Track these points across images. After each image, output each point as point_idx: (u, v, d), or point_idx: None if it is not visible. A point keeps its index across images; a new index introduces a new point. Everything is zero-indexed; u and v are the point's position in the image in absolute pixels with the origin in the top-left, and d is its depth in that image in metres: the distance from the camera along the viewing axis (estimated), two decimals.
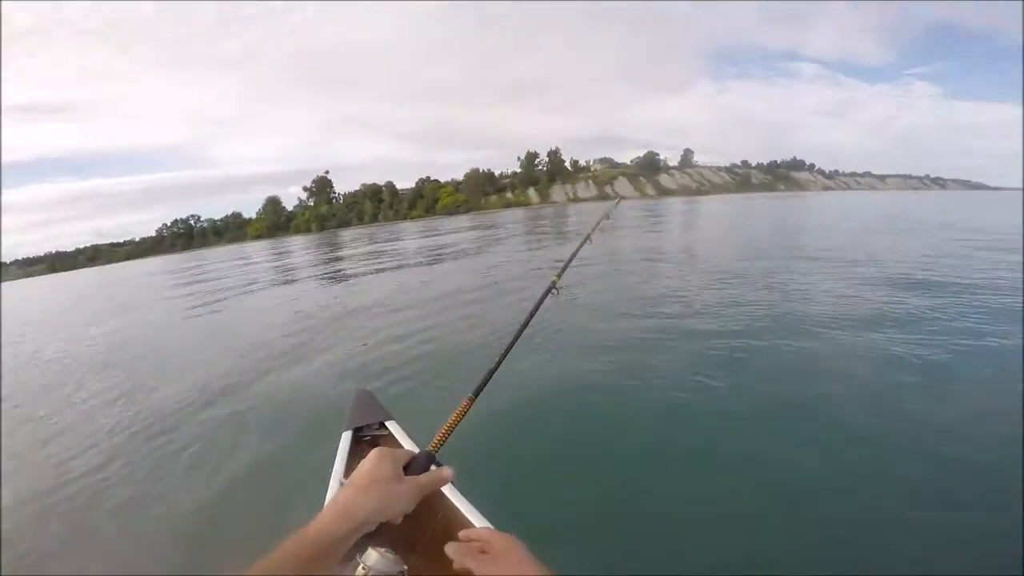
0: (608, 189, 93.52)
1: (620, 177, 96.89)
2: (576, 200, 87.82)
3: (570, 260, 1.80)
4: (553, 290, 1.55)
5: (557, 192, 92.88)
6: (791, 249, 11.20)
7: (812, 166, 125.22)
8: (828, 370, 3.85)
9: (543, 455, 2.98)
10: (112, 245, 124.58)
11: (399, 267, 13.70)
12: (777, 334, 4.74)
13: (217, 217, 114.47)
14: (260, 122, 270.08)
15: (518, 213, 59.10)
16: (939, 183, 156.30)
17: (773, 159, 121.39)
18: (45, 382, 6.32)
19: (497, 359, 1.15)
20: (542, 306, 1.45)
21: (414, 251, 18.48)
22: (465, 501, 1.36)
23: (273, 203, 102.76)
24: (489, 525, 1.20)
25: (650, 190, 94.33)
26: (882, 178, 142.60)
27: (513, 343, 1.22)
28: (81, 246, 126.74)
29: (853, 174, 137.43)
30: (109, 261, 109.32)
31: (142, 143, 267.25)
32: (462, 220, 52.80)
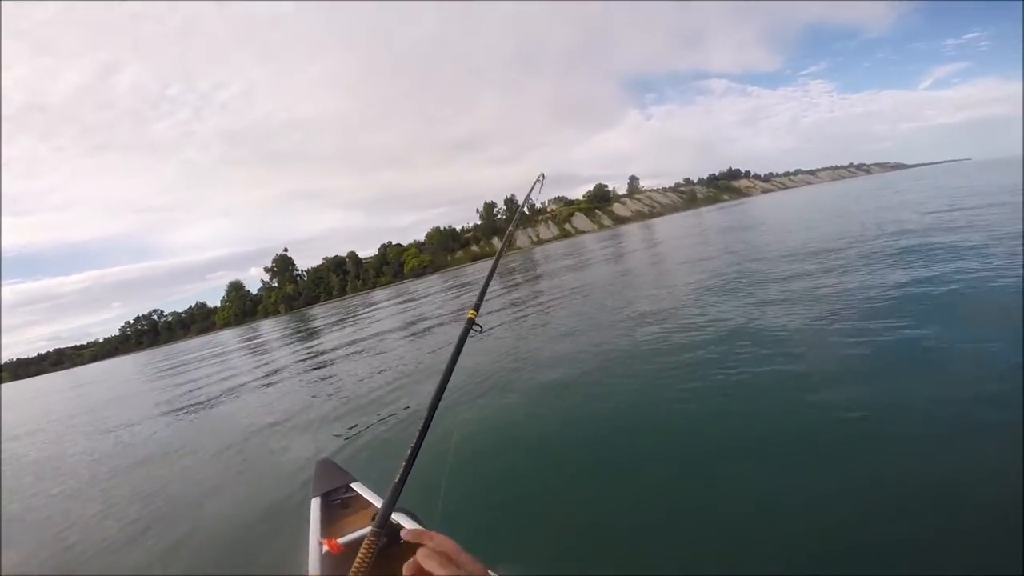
0: (568, 226, 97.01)
1: (577, 213, 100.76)
2: (540, 242, 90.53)
3: (484, 290, 1.62)
4: (474, 327, 1.38)
5: (521, 237, 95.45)
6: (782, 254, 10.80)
7: (748, 173, 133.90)
8: (819, 365, 3.85)
9: (521, 480, 3.11)
10: (75, 348, 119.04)
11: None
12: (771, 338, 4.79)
13: (180, 309, 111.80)
14: (205, 206, 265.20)
15: (486, 264, 59.79)
16: (863, 168, 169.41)
17: (712, 172, 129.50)
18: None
19: (427, 412, 1.14)
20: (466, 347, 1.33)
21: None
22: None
23: (236, 288, 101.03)
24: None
25: (606, 220, 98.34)
26: (813, 172, 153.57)
27: (439, 394, 1.18)
28: (43, 351, 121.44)
29: (786, 173, 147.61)
30: (75, 364, 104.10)
31: (82, 236, 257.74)
32: (432, 280, 53.05)
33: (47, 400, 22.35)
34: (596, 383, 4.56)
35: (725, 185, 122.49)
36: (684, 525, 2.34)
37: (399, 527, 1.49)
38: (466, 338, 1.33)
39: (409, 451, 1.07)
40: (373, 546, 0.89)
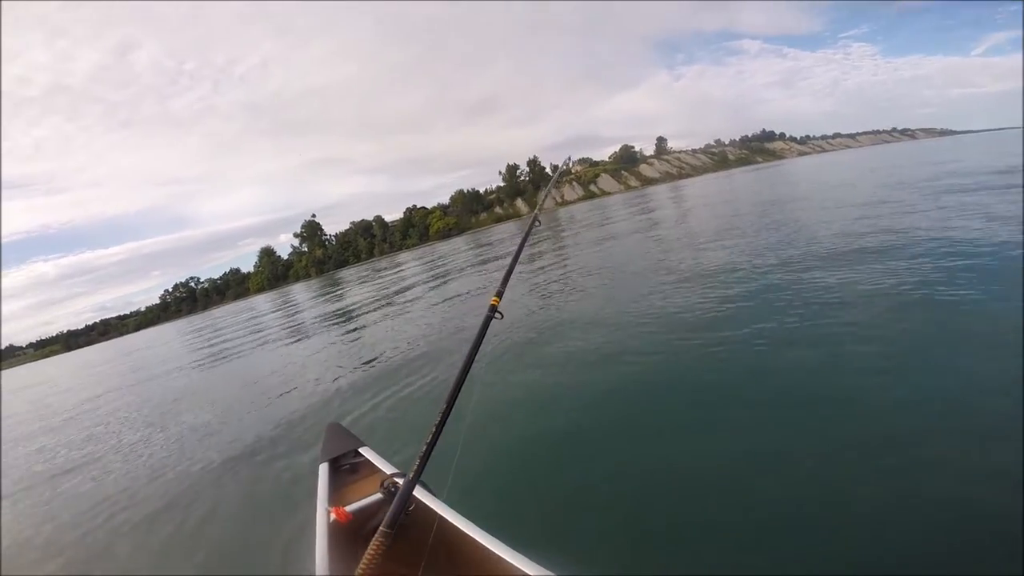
0: (593, 187, 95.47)
1: (602, 174, 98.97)
2: (564, 203, 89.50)
3: (508, 276, 1.61)
4: (496, 314, 1.39)
5: (546, 199, 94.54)
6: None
7: (783, 135, 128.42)
8: (828, 360, 3.58)
9: (534, 460, 3.05)
10: (119, 318, 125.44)
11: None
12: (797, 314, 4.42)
13: (216, 276, 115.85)
14: (232, 176, 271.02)
15: (511, 226, 59.93)
16: (908, 134, 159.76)
17: (744, 134, 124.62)
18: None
19: (445, 404, 1.19)
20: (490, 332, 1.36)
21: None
22: (455, 513, 1.46)
23: (268, 254, 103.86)
24: (478, 531, 1.35)
25: (633, 182, 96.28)
26: (853, 136, 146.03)
27: (462, 380, 1.23)
28: (90, 323, 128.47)
29: (824, 137, 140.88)
30: (121, 333, 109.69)
31: (115, 210, 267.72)
32: (458, 241, 53.51)
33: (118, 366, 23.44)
34: (618, 355, 4.37)
35: (758, 147, 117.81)
36: (700, 514, 2.27)
37: (411, 497, 1.48)
38: (488, 326, 1.33)
39: (424, 446, 1.11)
40: (382, 547, 0.87)
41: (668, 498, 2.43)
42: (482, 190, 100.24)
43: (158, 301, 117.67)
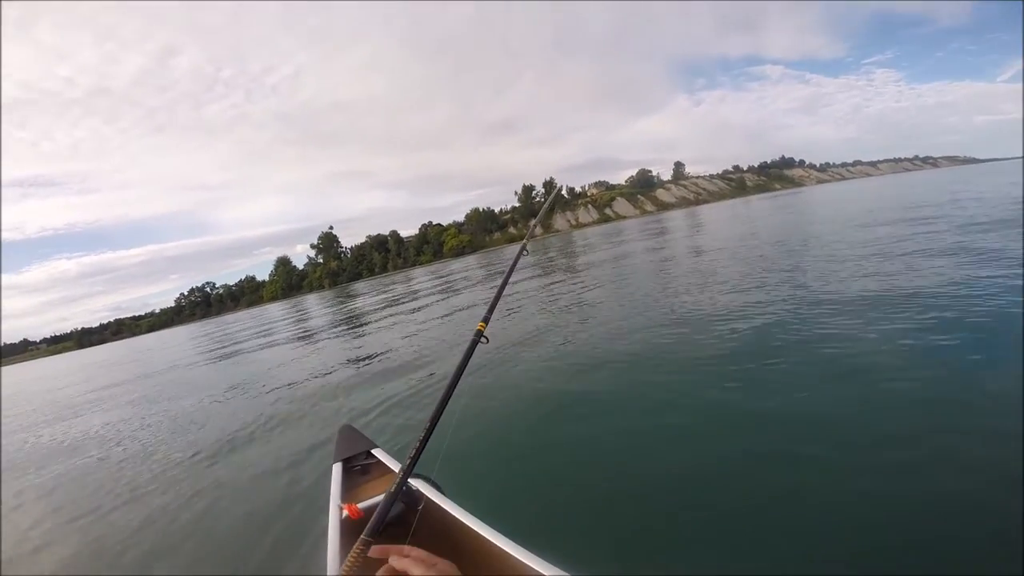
0: (608, 211, 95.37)
1: (618, 197, 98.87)
2: (579, 226, 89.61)
3: (495, 303, 1.61)
4: (482, 339, 1.42)
5: (559, 221, 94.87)
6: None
7: (802, 162, 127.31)
8: (829, 367, 3.66)
9: (533, 454, 3.16)
10: (133, 318, 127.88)
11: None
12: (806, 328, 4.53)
13: (231, 283, 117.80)
14: (255, 185, 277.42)
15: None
16: (930, 162, 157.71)
17: (763, 160, 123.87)
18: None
19: (428, 423, 1.22)
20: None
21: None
22: (449, 501, 1.55)
23: (284, 263, 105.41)
24: (474, 520, 1.42)
25: (649, 206, 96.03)
26: (873, 164, 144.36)
27: (446, 401, 1.26)
28: (104, 321, 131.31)
29: (843, 164, 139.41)
30: (134, 333, 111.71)
31: (142, 213, 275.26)
32: (470, 259, 54.07)
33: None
34: (614, 368, 4.46)
35: (777, 174, 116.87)
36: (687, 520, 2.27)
37: (419, 494, 1.53)
38: (473, 351, 1.34)
39: (408, 459, 1.13)
40: (360, 556, 0.88)
41: (668, 498, 2.46)
42: (497, 210, 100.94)
43: (173, 304, 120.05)
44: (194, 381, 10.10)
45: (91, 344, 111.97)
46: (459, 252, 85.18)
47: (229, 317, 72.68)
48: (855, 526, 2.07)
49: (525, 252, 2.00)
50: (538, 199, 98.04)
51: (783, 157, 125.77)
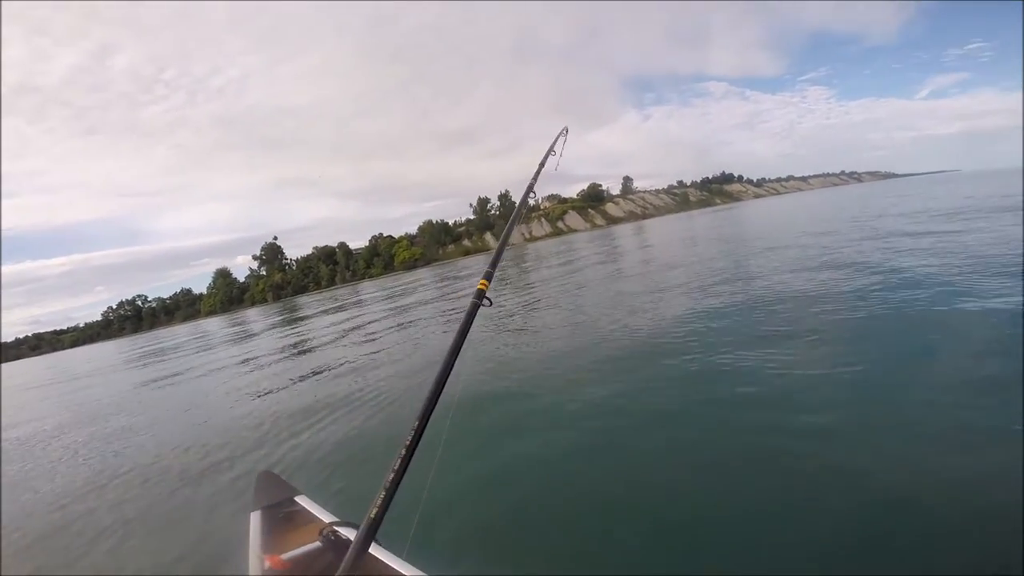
0: (561, 224, 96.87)
1: (570, 211, 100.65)
2: (532, 239, 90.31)
3: (499, 255, 1.50)
4: (484, 301, 1.22)
5: (513, 234, 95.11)
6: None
7: (741, 177, 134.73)
8: (821, 362, 3.94)
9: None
10: (55, 333, 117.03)
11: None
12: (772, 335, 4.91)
13: (165, 295, 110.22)
14: (195, 192, 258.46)
15: (479, 259, 60.16)
16: (855, 177, 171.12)
17: (705, 175, 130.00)
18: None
19: (425, 405, 1.03)
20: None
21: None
22: (386, 551, 1.40)
23: (223, 275, 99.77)
24: (415, 572, 1.30)
25: (599, 220, 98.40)
26: (805, 179, 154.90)
27: (439, 391, 1.07)
28: (21, 335, 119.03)
29: (778, 179, 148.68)
30: (54, 349, 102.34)
31: (67, 219, 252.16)
32: (423, 272, 52.78)
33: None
34: (580, 391, 4.43)
35: (718, 189, 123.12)
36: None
37: (348, 542, 1.42)
38: (475, 314, 1.16)
39: (392, 475, 0.93)
40: None
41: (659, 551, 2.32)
42: (451, 222, 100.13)
43: (99, 318, 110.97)
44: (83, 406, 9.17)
45: (6, 360, 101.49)
46: (411, 265, 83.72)
47: (162, 332, 68.35)
48: (853, 526, 2.11)
49: (533, 195, 1.91)
50: (493, 212, 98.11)
51: (724, 173, 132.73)
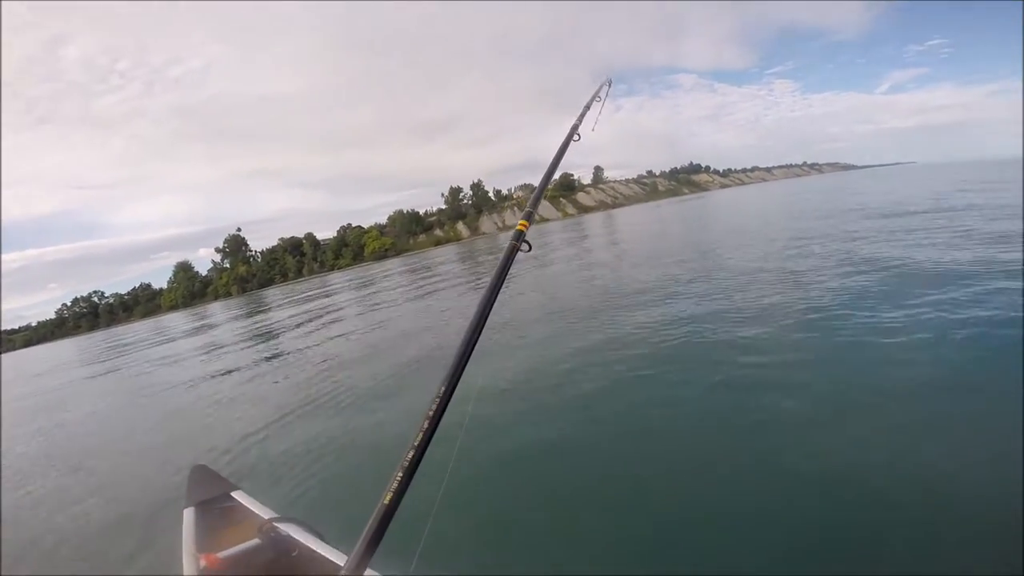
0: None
1: (543, 201, 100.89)
2: (505, 228, 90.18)
3: (541, 192, 1.35)
4: (523, 244, 1.09)
5: (486, 223, 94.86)
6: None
7: (708, 168, 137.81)
8: (822, 360, 3.94)
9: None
10: (8, 332, 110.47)
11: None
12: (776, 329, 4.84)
13: (123, 291, 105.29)
14: (154, 183, 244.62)
15: (450, 249, 59.63)
16: (816, 168, 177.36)
17: (674, 166, 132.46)
18: None
19: (458, 359, 0.87)
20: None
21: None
22: (329, 547, 1.35)
23: (184, 269, 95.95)
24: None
25: (571, 209, 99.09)
26: (768, 170, 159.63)
27: (478, 331, 0.92)
28: None
29: (744, 170, 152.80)
30: (6, 350, 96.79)
31: (18, 214, 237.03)
32: (393, 263, 52.38)
33: None
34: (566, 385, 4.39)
35: (686, 179, 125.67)
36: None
37: (291, 541, 1.38)
38: (513, 257, 1.04)
39: (411, 456, 0.78)
40: None
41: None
42: (422, 211, 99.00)
43: (53, 316, 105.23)
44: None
45: None
46: (381, 256, 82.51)
47: (120, 329, 65.65)
48: (853, 526, 2.11)
49: (577, 138, 1.69)
50: (465, 201, 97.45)
51: (692, 163, 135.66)
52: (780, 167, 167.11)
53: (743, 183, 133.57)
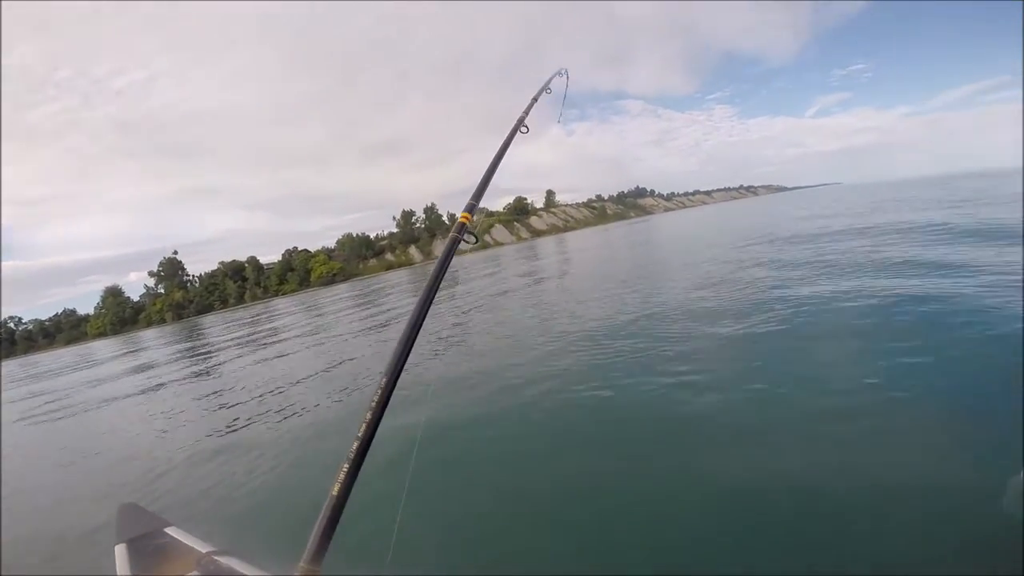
0: (488, 238, 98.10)
1: (496, 224, 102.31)
2: (459, 253, 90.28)
3: (487, 180, 1.31)
4: (465, 237, 1.10)
5: (439, 247, 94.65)
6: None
7: (652, 192, 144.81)
8: (813, 353, 4.16)
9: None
10: None
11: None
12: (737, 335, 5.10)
13: (44, 317, 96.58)
14: (84, 201, 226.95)
15: (402, 273, 58.75)
16: (752, 190, 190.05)
17: (621, 190, 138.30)
18: None
19: (388, 375, 0.86)
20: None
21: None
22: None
23: (114, 294, 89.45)
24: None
25: (524, 233, 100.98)
26: (709, 193, 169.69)
27: (407, 351, 0.89)
28: None
29: (685, 193, 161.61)
30: None
31: None
32: (342, 288, 51.26)
33: None
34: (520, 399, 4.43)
35: (632, 203, 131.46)
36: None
37: (230, 571, 1.35)
38: (454, 250, 1.08)
39: (355, 447, 0.81)
40: None
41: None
42: (373, 235, 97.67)
43: None
44: None
45: None
46: (329, 280, 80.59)
47: (38, 357, 60.08)
48: (854, 526, 2.12)
49: (524, 130, 1.65)
50: (418, 225, 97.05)
51: (638, 187, 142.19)
52: (719, 190, 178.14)
53: (685, 206, 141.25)
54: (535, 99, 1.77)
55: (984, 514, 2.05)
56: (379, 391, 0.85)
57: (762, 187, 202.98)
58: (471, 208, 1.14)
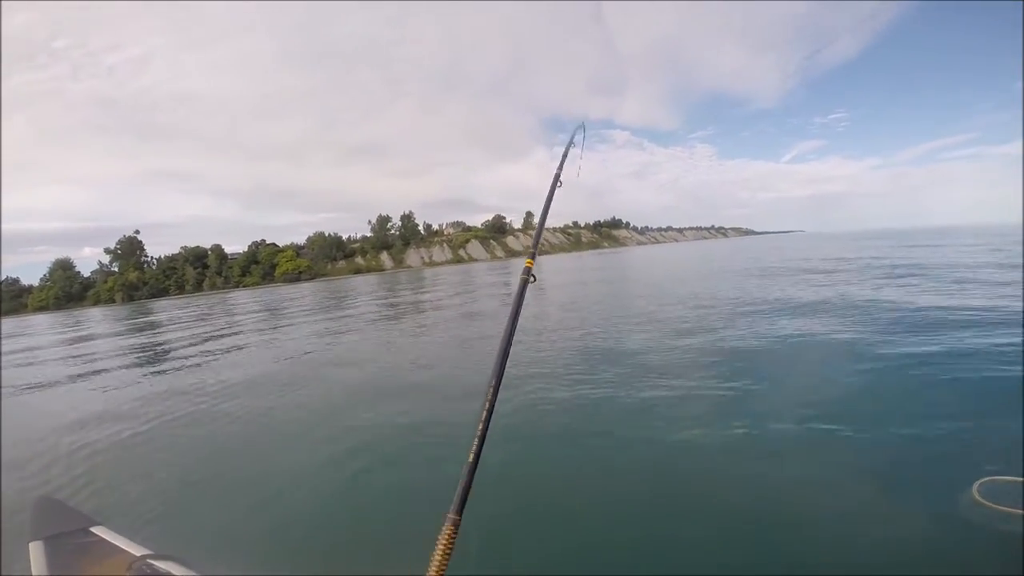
0: (462, 252, 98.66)
1: (473, 240, 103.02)
2: (432, 264, 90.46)
3: (537, 237, 1.49)
4: (531, 278, 1.26)
5: (412, 256, 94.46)
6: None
7: (627, 224, 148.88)
8: (834, 368, 4.32)
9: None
10: None
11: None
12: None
13: None
14: (45, 170, 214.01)
15: (370, 279, 57.30)
16: (722, 232, 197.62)
17: (598, 219, 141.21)
18: None
19: (486, 408, 0.96)
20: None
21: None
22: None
23: (64, 267, 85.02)
24: None
25: (499, 252, 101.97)
26: (681, 231, 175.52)
27: (502, 370, 1.01)
28: None
29: (659, 228, 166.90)
30: None
31: None
32: (305, 287, 50.00)
33: None
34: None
35: (607, 233, 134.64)
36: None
37: None
38: (525, 290, 1.23)
39: (477, 436, 0.94)
40: None
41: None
42: (345, 237, 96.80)
43: None
44: None
45: None
46: (293, 278, 79.28)
47: None
48: (854, 526, 2.17)
49: (560, 184, 1.81)
50: (393, 231, 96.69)
51: (614, 218, 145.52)
52: (691, 228, 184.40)
53: (657, 242, 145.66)
54: (565, 154, 1.99)
55: (954, 518, 2.14)
56: (490, 387, 0.99)
57: (732, 229, 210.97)
58: (532, 256, 1.38)
